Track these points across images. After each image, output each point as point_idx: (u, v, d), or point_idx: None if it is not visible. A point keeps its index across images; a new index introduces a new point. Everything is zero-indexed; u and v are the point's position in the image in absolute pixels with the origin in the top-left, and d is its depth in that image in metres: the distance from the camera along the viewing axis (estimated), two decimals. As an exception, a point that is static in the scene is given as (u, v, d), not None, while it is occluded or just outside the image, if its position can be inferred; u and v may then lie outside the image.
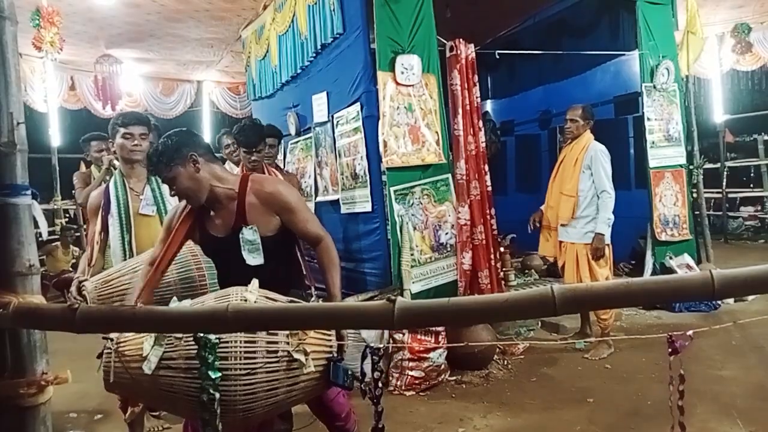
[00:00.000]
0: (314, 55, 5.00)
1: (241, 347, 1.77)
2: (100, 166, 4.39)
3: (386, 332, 3.67)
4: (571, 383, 3.72)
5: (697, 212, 6.09)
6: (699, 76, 9.25)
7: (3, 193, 1.45)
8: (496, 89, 8.65)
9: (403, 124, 4.20)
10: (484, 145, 4.59)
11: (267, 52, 6.05)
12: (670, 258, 5.38)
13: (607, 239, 4.17)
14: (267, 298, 1.93)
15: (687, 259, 5.41)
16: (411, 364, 3.73)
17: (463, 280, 4.33)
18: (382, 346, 1.90)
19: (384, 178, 4.28)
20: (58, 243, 7.49)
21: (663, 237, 5.45)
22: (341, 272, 2.33)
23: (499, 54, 6.07)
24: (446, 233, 4.37)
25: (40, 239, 5.44)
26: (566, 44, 7.04)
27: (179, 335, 1.78)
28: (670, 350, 1.32)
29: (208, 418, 1.63)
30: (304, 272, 2.64)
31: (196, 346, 1.62)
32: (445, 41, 4.50)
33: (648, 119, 5.49)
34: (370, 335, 3.42)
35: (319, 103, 4.97)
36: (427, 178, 4.31)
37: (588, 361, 4.09)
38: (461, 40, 4.46)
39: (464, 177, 4.40)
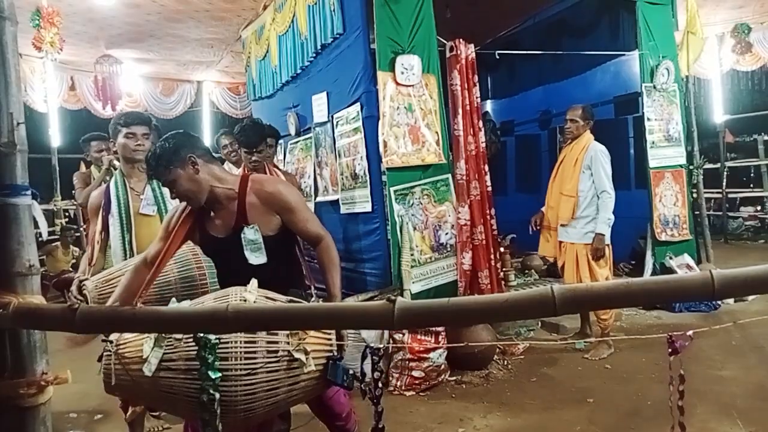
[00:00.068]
0: (314, 55, 5.00)
1: (241, 347, 1.77)
2: (100, 166, 4.39)
3: (386, 332, 3.67)
4: (571, 383, 3.72)
5: (697, 212, 6.09)
6: (699, 76, 9.25)
7: (3, 193, 1.45)
8: (496, 89, 8.65)
9: (403, 125, 4.20)
10: (484, 145, 4.59)
11: (267, 52, 6.05)
12: (670, 258, 5.38)
13: (607, 239, 4.17)
14: (266, 297, 1.93)
15: (687, 259, 5.41)
16: (411, 364, 3.73)
17: (463, 280, 4.33)
18: (382, 346, 1.90)
19: (384, 178, 4.27)
20: (58, 243, 7.48)
21: (663, 237, 5.45)
22: (341, 272, 2.33)
23: (499, 54, 6.07)
24: (446, 233, 4.37)
25: (40, 239, 5.44)
26: (566, 44, 7.04)
27: (179, 336, 1.78)
28: (670, 350, 1.32)
29: (208, 419, 1.63)
30: (305, 272, 2.64)
31: (196, 348, 1.62)
32: (445, 41, 4.50)
33: (648, 119, 5.49)
34: (370, 335, 3.42)
35: (319, 104, 4.97)
36: (427, 178, 4.31)
37: (588, 361, 4.09)
38: (461, 40, 4.46)
39: (464, 177, 4.40)
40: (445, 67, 4.49)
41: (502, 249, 5.06)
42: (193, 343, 1.65)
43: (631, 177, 6.41)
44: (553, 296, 1.14)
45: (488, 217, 4.51)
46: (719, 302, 5.06)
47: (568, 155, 4.42)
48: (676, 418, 1.35)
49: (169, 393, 1.81)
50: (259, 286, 1.96)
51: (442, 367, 3.85)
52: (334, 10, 4.49)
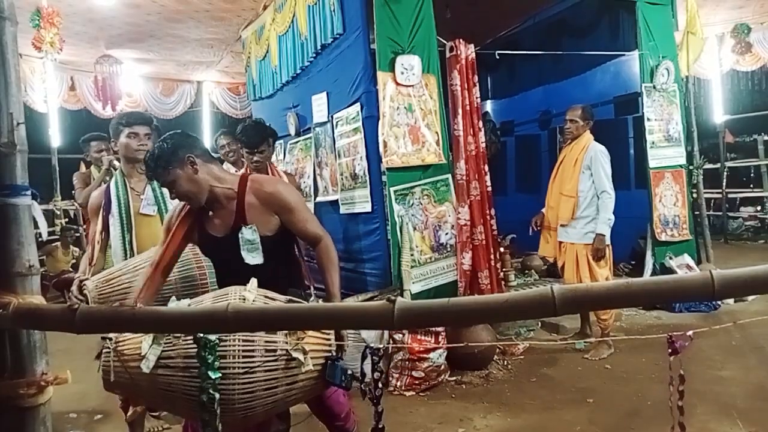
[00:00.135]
0: (314, 55, 5.00)
1: (239, 345, 1.76)
2: (100, 166, 4.38)
3: (386, 332, 3.67)
4: (571, 383, 3.72)
5: (697, 212, 6.09)
6: (699, 76, 9.25)
7: (3, 194, 1.45)
8: (496, 89, 8.65)
9: (403, 125, 4.20)
10: (484, 145, 4.59)
11: (267, 52, 6.05)
12: (670, 258, 5.38)
13: (608, 240, 4.17)
14: (266, 297, 1.93)
15: (687, 259, 5.41)
16: (411, 364, 3.73)
17: (463, 280, 4.33)
18: (382, 346, 1.89)
19: (384, 178, 4.28)
20: (58, 243, 7.49)
21: (663, 237, 5.45)
22: (341, 272, 2.33)
23: (499, 54, 6.07)
24: (446, 233, 4.37)
25: (40, 239, 5.44)
26: (566, 44, 7.04)
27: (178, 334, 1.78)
28: (670, 350, 1.32)
29: (207, 419, 1.62)
30: (304, 272, 2.64)
31: (194, 345, 1.62)
32: (445, 41, 4.50)
33: (648, 119, 5.49)
34: (370, 335, 3.42)
35: (319, 104, 4.97)
36: (427, 178, 4.31)
37: (588, 361, 4.09)
38: (461, 40, 4.46)
39: (464, 177, 4.40)
40: (445, 67, 4.49)
41: (502, 249, 5.06)
42: (192, 341, 1.64)
43: (631, 177, 6.41)
44: (553, 296, 1.14)
45: (488, 217, 4.51)
46: (719, 302, 5.05)
47: (567, 155, 4.42)
48: (676, 419, 1.35)
49: (167, 390, 1.80)
50: (258, 286, 1.96)
51: (442, 367, 3.85)
52: (334, 10, 4.49)
